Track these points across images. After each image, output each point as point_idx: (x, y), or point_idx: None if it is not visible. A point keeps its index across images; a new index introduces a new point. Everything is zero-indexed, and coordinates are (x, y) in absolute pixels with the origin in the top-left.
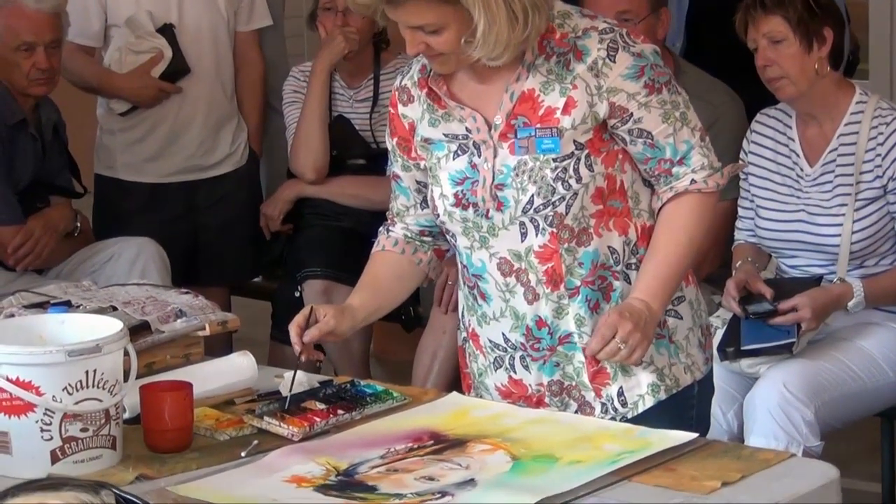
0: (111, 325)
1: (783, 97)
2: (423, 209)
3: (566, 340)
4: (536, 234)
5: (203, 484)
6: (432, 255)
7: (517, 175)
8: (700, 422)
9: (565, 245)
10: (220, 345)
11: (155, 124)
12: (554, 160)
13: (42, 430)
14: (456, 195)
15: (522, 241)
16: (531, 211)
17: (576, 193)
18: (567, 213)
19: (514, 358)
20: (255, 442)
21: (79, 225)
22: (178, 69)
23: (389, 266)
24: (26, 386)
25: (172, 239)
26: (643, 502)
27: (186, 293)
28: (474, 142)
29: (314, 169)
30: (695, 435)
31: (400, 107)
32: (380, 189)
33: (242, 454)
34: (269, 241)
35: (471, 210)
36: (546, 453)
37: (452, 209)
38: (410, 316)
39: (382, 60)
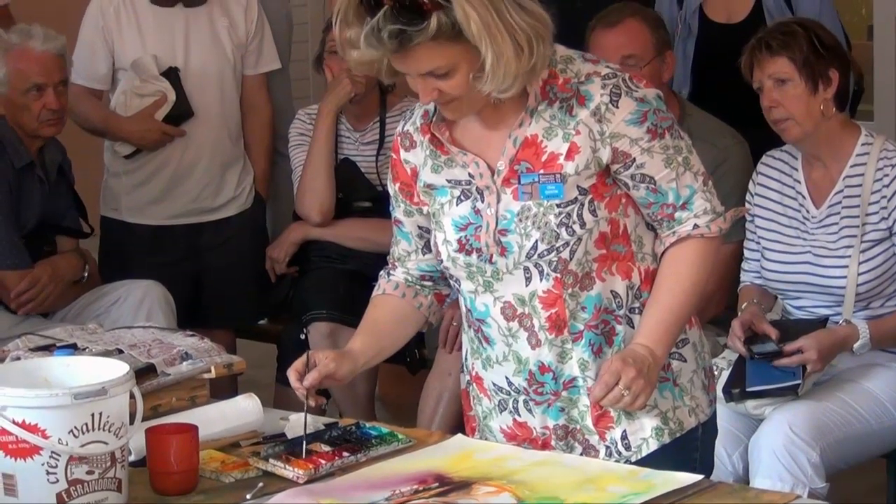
0: (117, 368)
1: (788, 138)
2: (424, 254)
3: (570, 385)
4: (541, 279)
5: None
6: (433, 299)
7: (521, 220)
8: (704, 464)
9: (569, 290)
10: (225, 387)
11: (159, 167)
12: (557, 206)
13: (48, 473)
14: (459, 241)
15: (527, 286)
16: (535, 256)
17: (580, 239)
18: (571, 259)
19: (517, 401)
20: (261, 484)
21: (86, 275)
22: (181, 112)
23: (389, 310)
24: (32, 429)
25: (177, 281)
26: None
27: (192, 336)
28: (477, 187)
29: (320, 212)
30: (700, 477)
31: (402, 152)
32: (386, 232)
33: (248, 496)
34: (274, 283)
35: (474, 255)
36: (551, 496)
37: (456, 255)
38: (416, 358)
39: (388, 103)
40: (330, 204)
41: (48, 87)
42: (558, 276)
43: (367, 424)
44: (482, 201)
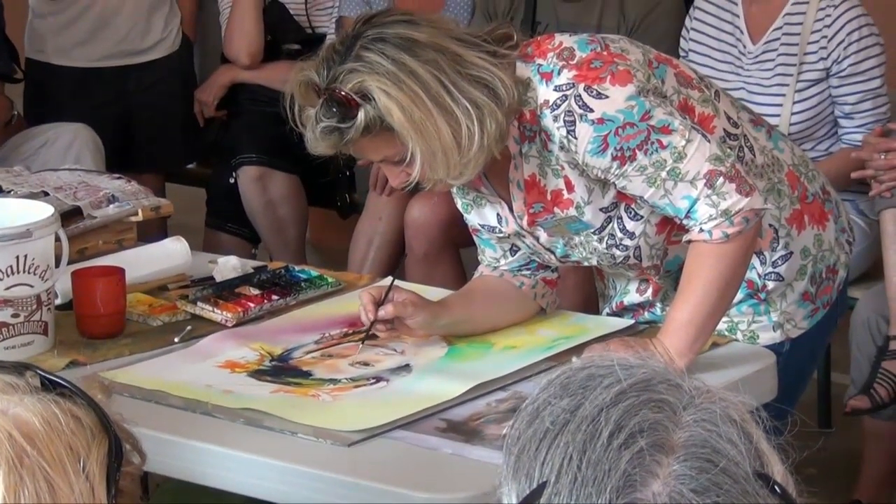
0: (42, 210)
1: None
2: (513, 254)
3: (651, 309)
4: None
5: (135, 370)
6: (538, 281)
7: (572, 248)
8: (787, 381)
9: (656, 276)
10: (154, 232)
11: (85, 8)
12: (594, 233)
13: None
14: (538, 264)
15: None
16: (608, 268)
17: (637, 247)
18: (641, 261)
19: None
20: (189, 328)
21: (16, 113)
22: None
23: (486, 284)
24: None
25: (105, 125)
26: None
27: (119, 178)
28: (508, 235)
29: (248, 54)
30: (632, 321)
31: None
32: None
33: (176, 340)
34: (203, 127)
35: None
36: (481, 340)
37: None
38: (346, 202)
39: None
40: (258, 46)
41: None
42: (638, 272)
43: (297, 268)
44: (525, 240)
